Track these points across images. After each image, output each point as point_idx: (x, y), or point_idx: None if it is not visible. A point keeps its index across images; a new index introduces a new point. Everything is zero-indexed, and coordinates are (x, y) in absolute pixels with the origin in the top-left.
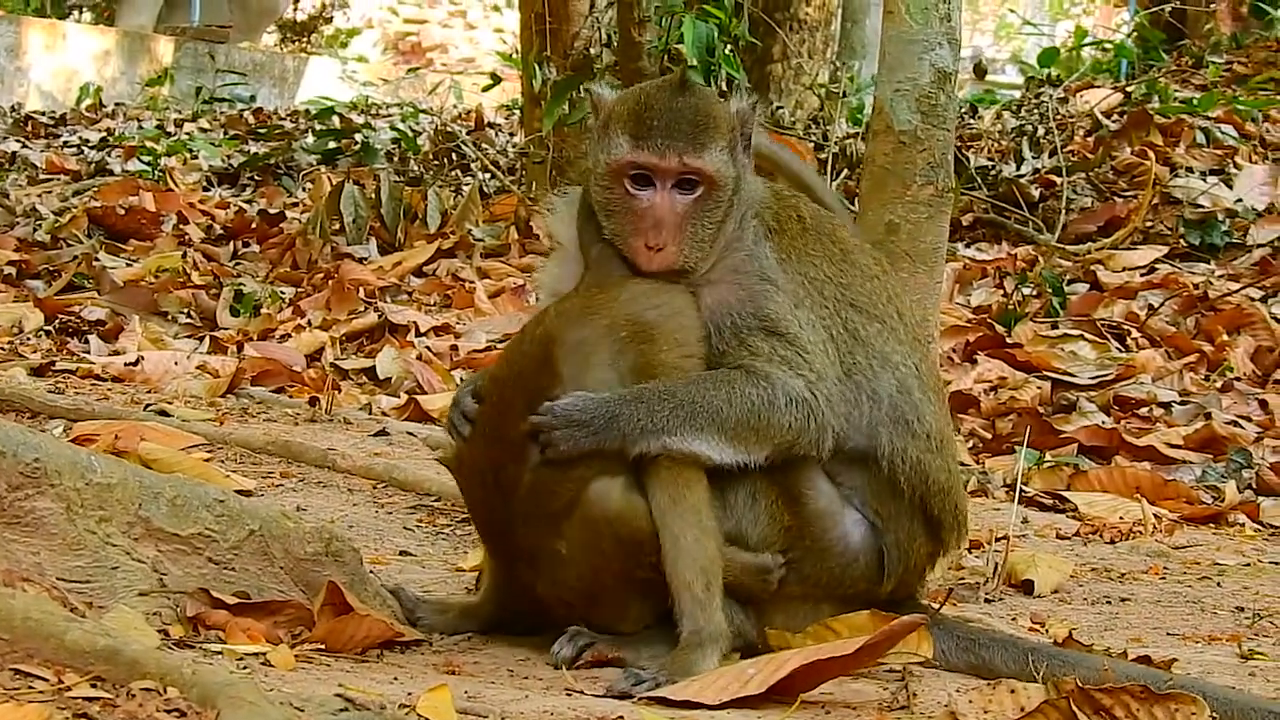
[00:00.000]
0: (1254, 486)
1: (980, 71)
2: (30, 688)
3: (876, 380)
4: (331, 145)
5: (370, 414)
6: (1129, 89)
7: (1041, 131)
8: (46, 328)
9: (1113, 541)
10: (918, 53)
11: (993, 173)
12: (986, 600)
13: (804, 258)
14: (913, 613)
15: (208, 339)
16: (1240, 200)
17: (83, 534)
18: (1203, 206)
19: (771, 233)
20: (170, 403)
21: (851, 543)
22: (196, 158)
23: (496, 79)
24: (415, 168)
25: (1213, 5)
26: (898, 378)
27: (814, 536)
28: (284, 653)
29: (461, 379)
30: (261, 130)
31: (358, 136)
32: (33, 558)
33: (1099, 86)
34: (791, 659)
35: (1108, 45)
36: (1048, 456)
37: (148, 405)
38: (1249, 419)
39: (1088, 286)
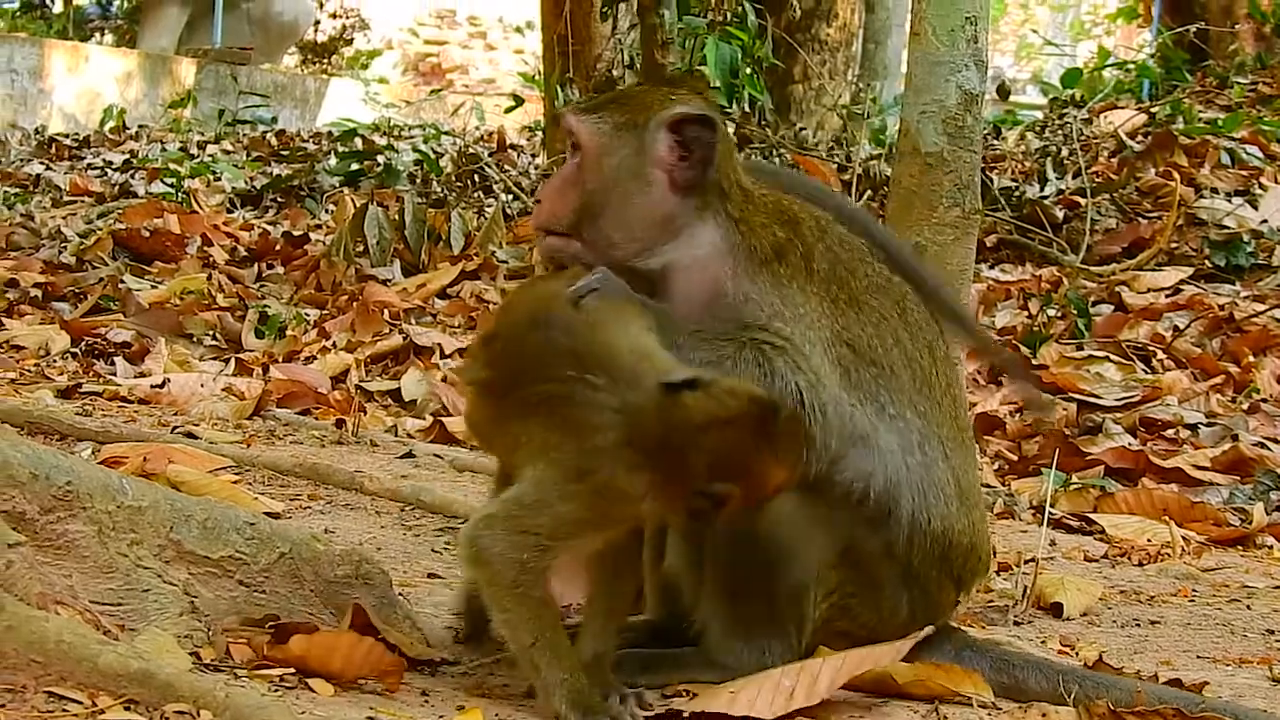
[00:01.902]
0: None
1: (1003, 92)
2: (64, 711)
3: (876, 432)
4: (354, 167)
5: (396, 436)
6: (1153, 110)
7: (1065, 152)
8: (73, 350)
9: (1141, 564)
10: (944, 75)
11: (1017, 194)
12: (1016, 623)
13: (805, 290)
14: (944, 637)
15: (233, 361)
16: (1265, 221)
17: (114, 557)
18: (1228, 227)
19: (764, 261)
20: (197, 425)
21: (895, 586)
22: (220, 180)
23: (519, 100)
24: (438, 189)
25: (1236, 26)
26: (899, 431)
27: (864, 578)
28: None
29: None
30: (284, 152)
31: (380, 158)
32: (65, 581)
33: (1123, 107)
34: (823, 668)
35: (1130, 66)
36: (1074, 478)
37: (175, 427)
38: (1276, 440)
39: (1113, 308)
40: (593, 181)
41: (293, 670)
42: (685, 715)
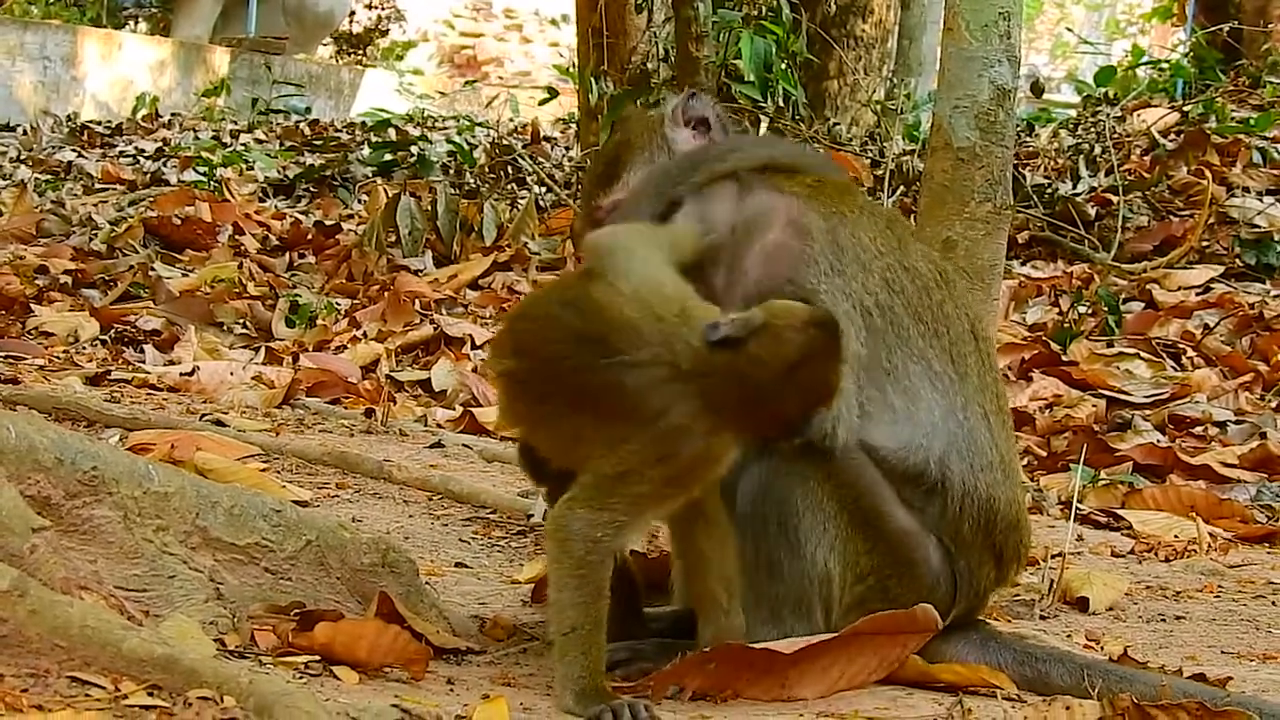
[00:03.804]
0: None
1: (1037, 90)
2: (87, 695)
3: (920, 395)
4: (387, 157)
5: (425, 426)
6: (1186, 108)
7: (1098, 150)
8: (102, 337)
9: (1167, 560)
10: (977, 70)
11: (1049, 191)
12: (1042, 617)
13: (856, 222)
14: (969, 629)
15: (263, 350)
16: None
17: (140, 542)
18: (1259, 226)
19: (813, 195)
20: (226, 413)
21: (933, 565)
22: (252, 169)
23: (553, 93)
24: (471, 181)
25: (1270, 25)
26: (943, 390)
27: (900, 558)
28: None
29: None
30: (317, 142)
31: (414, 149)
32: (90, 566)
33: (1156, 106)
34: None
35: (1164, 64)
36: (1103, 474)
37: (203, 415)
38: None
39: (1143, 305)
40: None
41: (318, 658)
42: (722, 691)
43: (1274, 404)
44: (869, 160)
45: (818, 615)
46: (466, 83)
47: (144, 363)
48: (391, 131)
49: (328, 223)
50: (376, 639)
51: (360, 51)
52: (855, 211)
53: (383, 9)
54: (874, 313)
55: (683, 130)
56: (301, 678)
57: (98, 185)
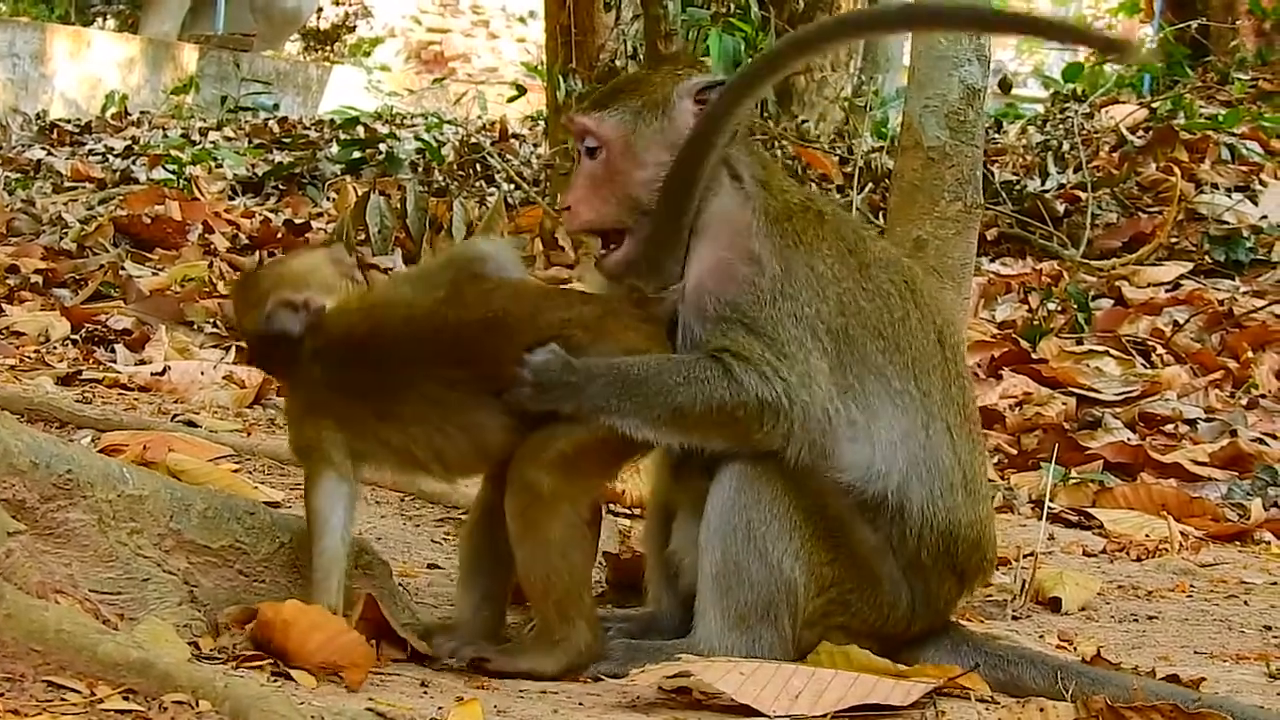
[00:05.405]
0: (1279, 504)
1: (1005, 86)
2: (63, 700)
3: (878, 419)
4: (356, 155)
5: None
6: (1154, 105)
7: (1066, 147)
8: (73, 336)
9: (1139, 559)
10: (947, 69)
11: (1018, 188)
12: (1014, 617)
13: (813, 250)
14: (940, 634)
15: (234, 349)
16: (1265, 217)
17: (114, 546)
18: (1228, 223)
19: (778, 218)
20: (197, 413)
21: (895, 580)
22: (221, 166)
23: (521, 90)
24: (440, 178)
25: (1237, 22)
26: (904, 409)
27: (862, 573)
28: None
29: None
30: (286, 139)
31: (382, 146)
32: (65, 569)
33: (1124, 102)
34: (834, 683)
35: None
36: (1073, 473)
37: (175, 415)
38: (1274, 436)
39: (1112, 302)
40: (629, 170)
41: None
42: (695, 693)
43: (1244, 401)
44: (837, 157)
45: (784, 622)
46: (435, 80)
47: (115, 362)
48: (360, 129)
49: (297, 221)
50: (331, 636)
51: (328, 48)
52: (812, 235)
53: (350, 5)
54: (825, 337)
55: (689, 105)
56: (276, 681)
57: (67, 184)
